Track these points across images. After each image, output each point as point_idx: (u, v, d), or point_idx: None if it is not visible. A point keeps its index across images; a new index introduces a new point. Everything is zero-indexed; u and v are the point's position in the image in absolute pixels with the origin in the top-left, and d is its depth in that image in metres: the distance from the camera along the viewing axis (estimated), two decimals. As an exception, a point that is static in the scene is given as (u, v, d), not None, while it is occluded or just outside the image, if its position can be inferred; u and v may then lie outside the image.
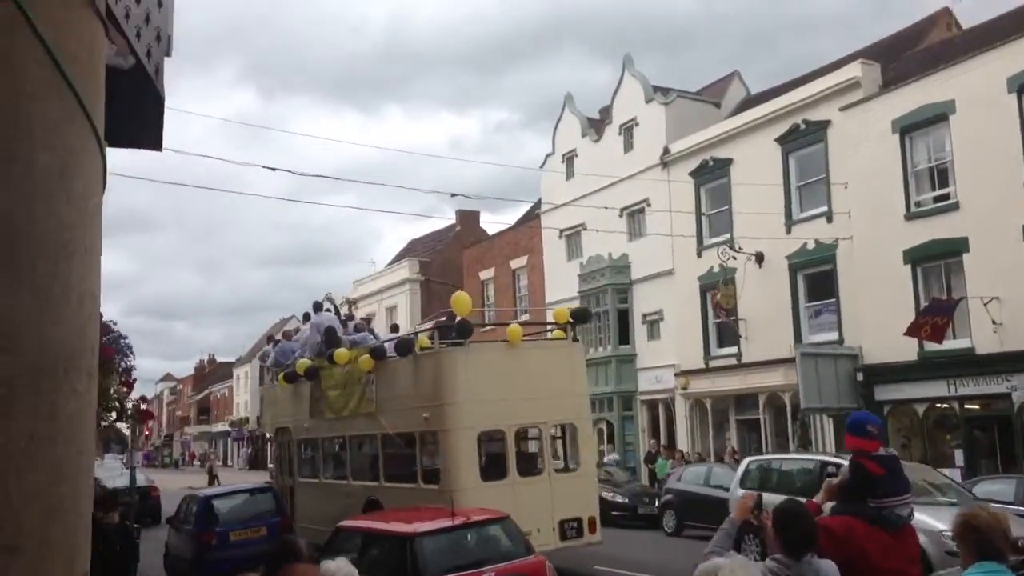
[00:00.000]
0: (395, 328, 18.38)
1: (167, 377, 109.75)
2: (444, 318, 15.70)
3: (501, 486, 12.99)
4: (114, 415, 5.28)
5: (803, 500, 4.95)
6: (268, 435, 22.89)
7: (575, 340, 14.98)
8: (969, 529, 3.80)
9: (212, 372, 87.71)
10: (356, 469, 16.33)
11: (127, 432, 17.53)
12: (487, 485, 12.99)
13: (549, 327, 16.12)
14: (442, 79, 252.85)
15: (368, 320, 19.26)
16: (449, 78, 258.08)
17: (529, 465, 14.06)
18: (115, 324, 5.59)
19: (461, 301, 14.56)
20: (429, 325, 16.71)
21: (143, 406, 5.69)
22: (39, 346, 1.63)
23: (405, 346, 14.64)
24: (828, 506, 5.24)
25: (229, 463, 70.91)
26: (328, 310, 18.94)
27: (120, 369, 5.49)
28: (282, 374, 19.04)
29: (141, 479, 27.73)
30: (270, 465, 29.05)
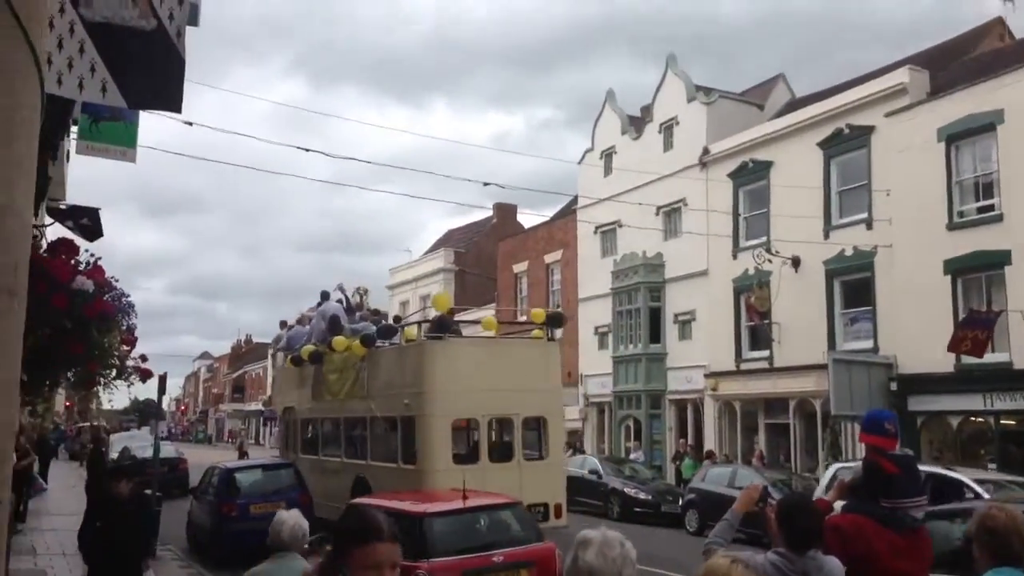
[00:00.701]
0: (397, 320, 19.21)
1: (204, 355, 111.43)
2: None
3: (472, 469, 13.50)
4: (114, 372, 5.26)
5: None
6: (277, 414, 24.22)
7: (550, 340, 16.06)
8: (985, 530, 3.61)
9: (248, 352, 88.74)
10: (348, 448, 17.36)
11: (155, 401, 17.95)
12: (459, 468, 13.51)
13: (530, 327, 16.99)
14: (490, 75, 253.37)
15: (377, 311, 19.58)
16: (497, 74, 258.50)
17: (501, 452, 15.08)
18: (116, 280, 5.55)
19: (440, 300, 16.49)
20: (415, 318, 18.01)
21: (142, 364, 5.66)
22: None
23: (386, 332, 15.85)
24: (839, 505, 5.07)
25: (261, 441, 71.70)
26: (339, 300, 19.64)
27: (123, 328, 5.47)
28: (290, 357, 20.12)
29: (171, 451, 28.13)
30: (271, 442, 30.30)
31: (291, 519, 5.10)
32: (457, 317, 17.15)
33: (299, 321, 21.23)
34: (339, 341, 17.21)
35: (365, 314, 18.95)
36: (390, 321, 19.56)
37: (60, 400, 59.49)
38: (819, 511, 4.35)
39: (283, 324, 22.49)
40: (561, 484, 15.39)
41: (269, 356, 76.60)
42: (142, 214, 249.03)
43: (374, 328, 17.33)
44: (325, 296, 19.69)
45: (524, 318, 23.31)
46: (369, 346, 16.29)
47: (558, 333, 16.38)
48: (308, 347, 18.78)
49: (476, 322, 17.21)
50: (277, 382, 23.40)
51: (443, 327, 15.37)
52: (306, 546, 9.27)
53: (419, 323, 16.27)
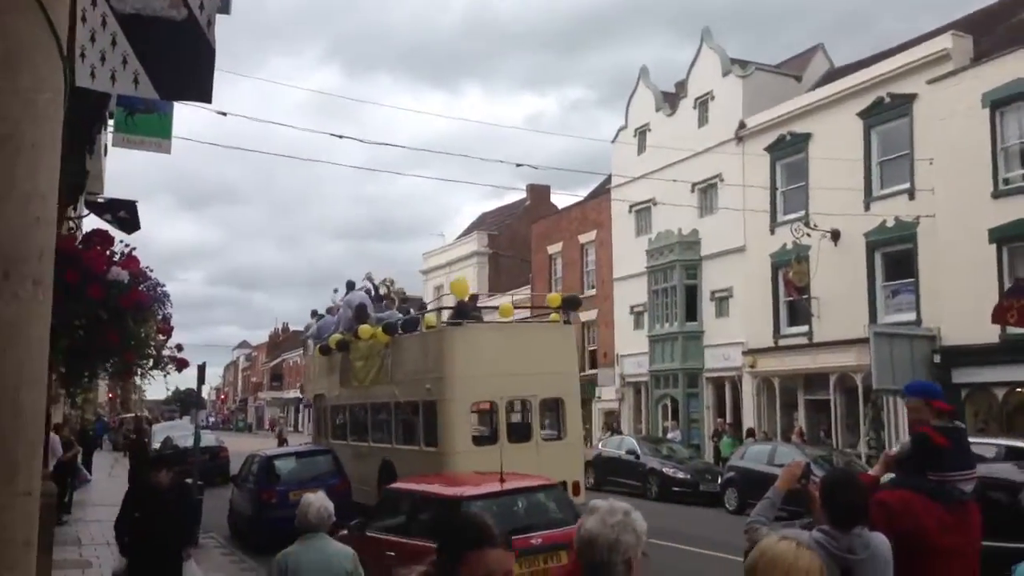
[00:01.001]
0: (404, 311, 19.25)
1: (243, 344, 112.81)
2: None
3: (491, 450, 13.88)
4: (151, 362, 5.30)
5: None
6: (304, 400, 24.76)
7: (567, 323, 16.59)
8: None
9: (286, 340, 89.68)
10: (375, 433, 17.87)
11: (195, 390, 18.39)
12: (478, 449, 14.54)
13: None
14: (522, 58, 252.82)
15: (405, 299, 19.80)
16: (529, 57, 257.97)
17: (519, 433, 15.46)
18: (151, 270, 5.58)
19: (459, 285, 16.81)
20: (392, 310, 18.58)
21: (178, 354, 5.67)
22: (-29, 243, 1.52)
23: (411, 324, 16.37)
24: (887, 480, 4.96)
25: (299, 429, 72.54)
26: (369, 290, 20.16)
27: (158, 317, 5.50)
28: (318, 346, 20.72)
29: (211, 440, 28.53)
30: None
31: (317, 501, 5.35)
32: (482, 302, 17.32)
33: (329, 311, 21.54)
34: (364, 329, 17.61)
35: (395, 296, 19.37)
36: (423, 305, 19.70)
37: (103, 391, 60.57)
38: (864, 487, 4.25)
39: (314, 313, 22.86)
40: (579, 462, 15.82)
41: (302, 345, 77.49)
42: (179, 206, 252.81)
43: (398, 316, 17.77)
44: (351, 286, 20.19)
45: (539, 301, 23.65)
46: (392, 334, 16.73)
47: (585, 315, 16.55)
48: (336, 336, 19.27)
49: (496, 308, 17.30)
50: (308, 370, 24.04)
51: (462, 313, 15.95)
52: (344, 532, 9.31)
53: (438, 310, 16.78)
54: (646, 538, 2.97)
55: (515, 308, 17.60)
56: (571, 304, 17.23)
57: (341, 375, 19.19)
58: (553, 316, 16.86)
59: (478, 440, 15.35)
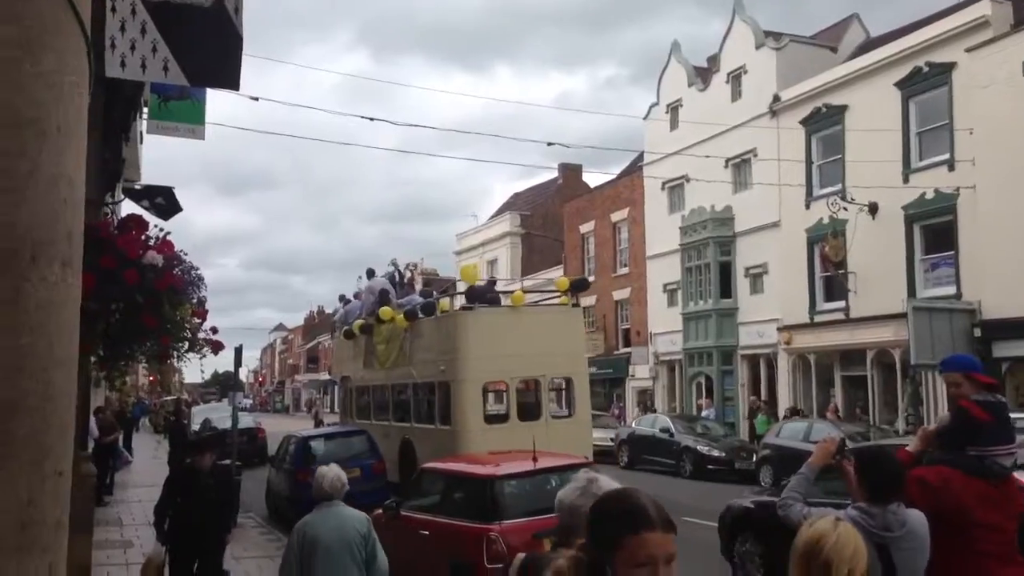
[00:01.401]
0: (427, 294, 20.08)
1: (279, 327, 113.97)
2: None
3: (502, 428, 15.26)
4: (186, 345, 5.37)
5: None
6: (336, 382, 26.64)
7: (575, 306, 17.32)
8: None
9: (321, 323, 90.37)
10: (396, 413, 18.70)
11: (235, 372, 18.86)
12: (490, 427, 15.50)
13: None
14: (551, 36, 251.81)
15: (428, 283, 20.64)
16: (558, 35, 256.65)
17: (529, 411, 16.07)
18: (186, 253, 5.66)
19: (468, 271, 18.22)
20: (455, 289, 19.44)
21: (214, 336, 5.71)
22: (-1, 227, 1.53)
23: (428, 308, 17.14)
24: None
25: (335, 410, 73.23)
26: (393, 276, 21.18)
27: (193, 301, 5.57)
28: (344, 330, 21.73)
29: (249, 421, 28.92)
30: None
31: (331, 472, 5.77)
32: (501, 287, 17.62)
33: (355, 296, 22.19)
34: (385, 311, 18.46)
35: (422, 276, 20.24)
36: (451, 286, 20.32)
37: (143, 375, 61.52)
38: (899, 462, 4.18)
39: (342, 298, 23.50)
40: (588, 439, 16.32)
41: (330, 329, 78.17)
42: (217, 193, 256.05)
43: (419, 300, 18.55)
44: (371, 273, 20.92)
45: (549, 284, 24.87)
46: (411, 319, 17.53)
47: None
48: (359, 320, 20.25)
49: (509, 293, 18.11)
50: (336, 353, 25.19)
51: (473, 297, 16.94)
52: (379, 511, 9.37)
53: (451, 295, 17.93)
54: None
55: (526, 293, 18.33)
56: (579, 287, 18.04)
57: (365, 358, 20.09)
58: (563, 299, 17.53)
59: (490, 419, 16.10)
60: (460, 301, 18.15)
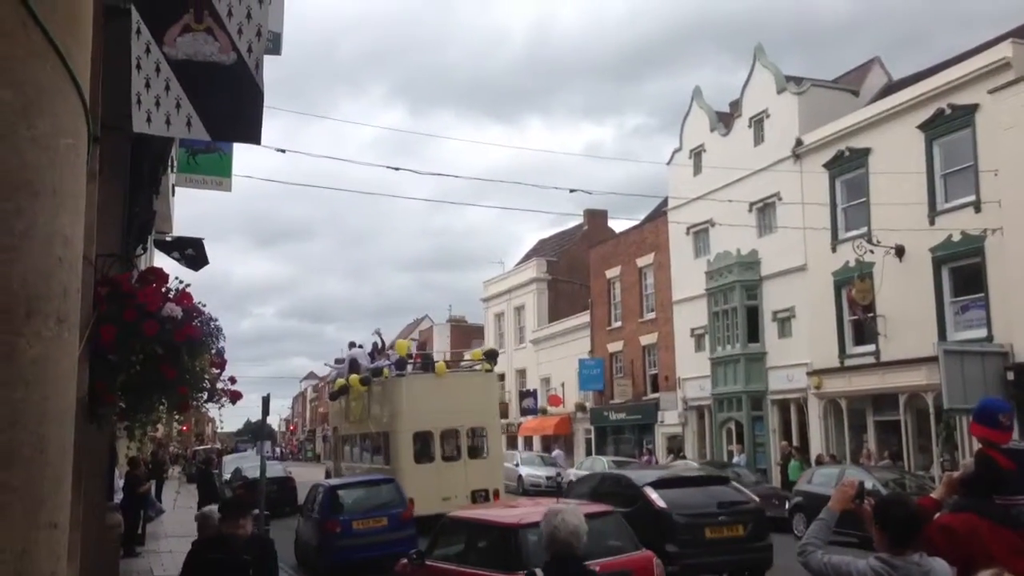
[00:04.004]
0: (400, 362, 23.12)
1: (310, 375, 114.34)
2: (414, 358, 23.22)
3: (430, 467, 19.81)
4: (205, 395, 5.41)
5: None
6: (328, 433, 34.61)
7: (487, 371, 21.82)
8: None
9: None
10: (363, 454, 23.59)
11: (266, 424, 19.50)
12: (419, 466, 19.76)
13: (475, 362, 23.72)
14: (580, 88, 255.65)
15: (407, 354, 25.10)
16: (587, 87, 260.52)
17: (450, 453, 20.57)
18: (204, 305, 5.74)
19: (401, 345, 23.25)
20: (389, 361, 23.01)
21: (232, 386, 5.72)
22: (-7, 285, 1.59)
23: (376, 373, 21.86)
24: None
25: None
26: (376, 344, 25.48)
27: (211, 351, 5.64)
28: (329, 392, 28.33)
29: (279, 470, 28.95)
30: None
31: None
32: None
33: (337, 361, 27.51)
34: (353, 378, 23.27)
35: (382, 359, 24.02)
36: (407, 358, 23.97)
37: (174, 425, 61.90)
38: (920, 510, 4.12)
39: (338, 361, 27.60)
40: (499, 475, 21.00)
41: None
42: (254, 245, 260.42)
43: (384, 365, 22.53)
44: (352, 345, 25.75)
45: (468, 356, 30.74)
46: (366, 384, 22.43)
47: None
48: (340, 380, 25.11)
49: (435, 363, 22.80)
50: (330, 409, 31.54)
51: (401, 367, 21.47)
52: (404, 561, 9.26)
53: (389, 365, 22.01)
54: (581, 529, 4.28)
55: (448, 364, 23.58)
56: (491, 356, 22.98)
57: (345, 413, 25.09)
58: (484, 365, 21.98)
59: (419, 458, 20.06)
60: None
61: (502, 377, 48.03)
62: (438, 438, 20.29)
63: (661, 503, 12.12)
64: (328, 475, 27.33)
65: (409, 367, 21.77)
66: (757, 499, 14.19)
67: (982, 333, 21.19)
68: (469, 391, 20.90)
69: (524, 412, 43.61)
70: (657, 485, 12.78)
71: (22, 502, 1.61)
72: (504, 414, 35.40)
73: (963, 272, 22.13)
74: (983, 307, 21.42)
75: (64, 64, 1.76)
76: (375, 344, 25.33)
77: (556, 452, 37.66)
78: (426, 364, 22.35)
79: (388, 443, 20.63)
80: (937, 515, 4.71)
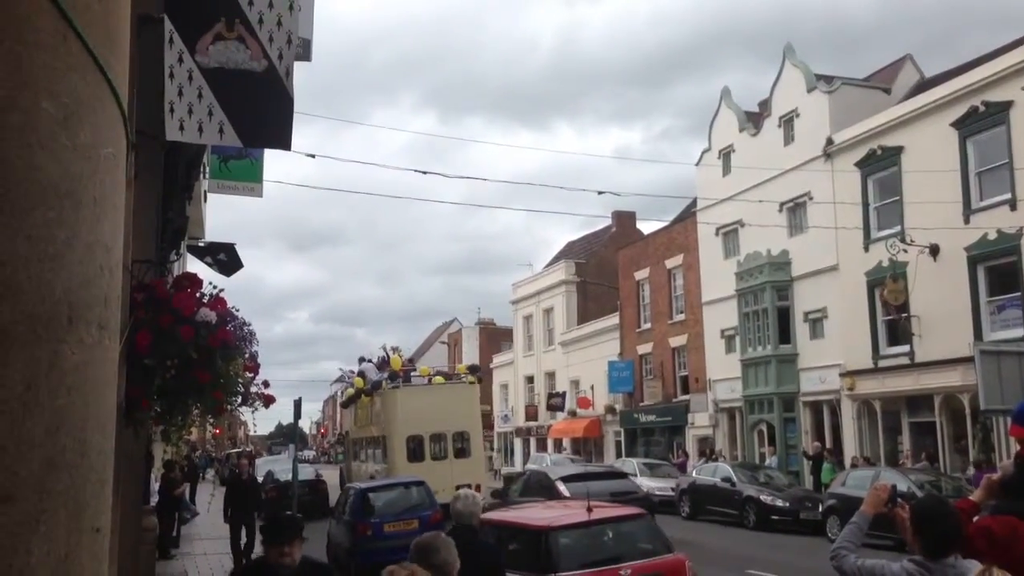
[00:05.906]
0: (406, 375, 26.81)
1: (340, 379, 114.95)
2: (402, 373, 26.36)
3: (421, 465, 22.31)
4: (239, 399, 5.47)
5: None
6: (343, 436, 39.49)
7: (471, 383, 25.45)
8: None
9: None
10: (367, 455, 27.26)
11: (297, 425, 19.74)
12: (411, 464, 22.66)
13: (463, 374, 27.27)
14: (609, 93, 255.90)
15: (410, 361, 31.71)
16: (616, 92, 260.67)
17: (438, 453, 23.80)
18: (238, 310, 5.81)
19: (395, 361, 27.29)
20: (386, 375, 26.51)
21: (265, 390, 5.75)
22: (37, 294, 1.61)
23: (375, 385, 25.88)
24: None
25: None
26: (384, 357, 28.57)
27: (245, 356, 5.71)
28: (341, 401, 33.72)
29: (310, 473, 29.15)
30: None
31: None
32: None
33: (348, 373, 33.49)
34: (359, 383, 27.96)
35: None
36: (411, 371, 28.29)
37: (209, 428, 62.60)
38: (957, 513, 4.06)
39: (351, 373, 32.26)
40: (481, 471, 25.23)
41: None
42: (288, 250, 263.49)
43: (383, 379, 26.10)
44: (361, 360, 29.56)
45: (456, 367, 35.86)
46: (369, 395, 26.55)
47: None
48: (350, 391, 30.22)
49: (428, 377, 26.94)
50: (343, 416, 37.75)
51: (396, 379, 25.36)
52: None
53: (387, 378, 25.65)
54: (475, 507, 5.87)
55: (437, 374, 27.59)
56: (473, 370, 27.11)
57: (354, 419, 29.78)
58: (469, 378, 25.64)
59: (412, 458, 23.10)
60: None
61: (531, 379, 48.24)
62: (428, 441, 23.67)
63: (566, 493, 16.29)
64: (342, 474, 32.03)
65: (399, 381, 25.27)
66: (643, 490, 20.40)
67: (1019, 332, 20.83)
68: (454, 401, 24.25)
69: (550, 408, 43.61)
70: (566, 479, 17.53)
71: (66, 507, 1.64)
72: (486, 423, 38.34)
73: (999, 271, 21.80)
74: (1020, 306, 21.08)
75: (104, 75, 1.79)
76: (381, 358, 28.81)
77: (562, 456, 37.52)
78: (407, 377, 25.77)
79: (384, 444, 24.20)
80: (976, 518, 4.65)
